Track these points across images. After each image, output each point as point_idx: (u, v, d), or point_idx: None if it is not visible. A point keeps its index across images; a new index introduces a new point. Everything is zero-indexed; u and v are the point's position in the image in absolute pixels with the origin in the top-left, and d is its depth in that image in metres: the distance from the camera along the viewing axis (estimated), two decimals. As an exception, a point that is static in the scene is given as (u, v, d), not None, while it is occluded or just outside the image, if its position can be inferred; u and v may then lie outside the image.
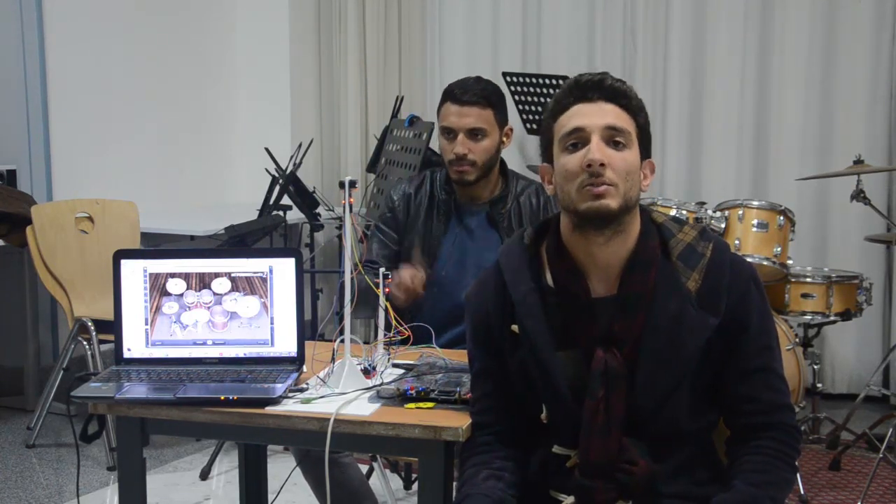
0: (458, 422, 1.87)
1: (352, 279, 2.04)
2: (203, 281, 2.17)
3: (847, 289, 3.91)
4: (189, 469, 3.84)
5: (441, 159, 2.80)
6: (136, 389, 2.03)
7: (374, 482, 3.28)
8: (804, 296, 3.90)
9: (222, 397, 1.97)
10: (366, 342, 2.22)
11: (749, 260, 3.24)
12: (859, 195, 3.75)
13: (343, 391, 2.01)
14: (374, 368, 2.12)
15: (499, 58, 5.31)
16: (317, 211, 4.29)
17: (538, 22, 5.24)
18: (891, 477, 3.69)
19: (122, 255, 2.19)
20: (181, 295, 2.17)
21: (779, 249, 3.81)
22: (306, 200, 4.22)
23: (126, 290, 2.16)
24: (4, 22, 4.71)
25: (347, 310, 2.05)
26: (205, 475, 3.74)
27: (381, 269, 2.23)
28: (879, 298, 4.57)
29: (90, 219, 4.23)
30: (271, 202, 4.11)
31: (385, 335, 2.20)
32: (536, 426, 1.83)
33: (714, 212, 3.85)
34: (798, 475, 3.02)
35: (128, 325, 2.17)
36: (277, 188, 4.11)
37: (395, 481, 3.54)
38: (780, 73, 4.77)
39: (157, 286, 2.17)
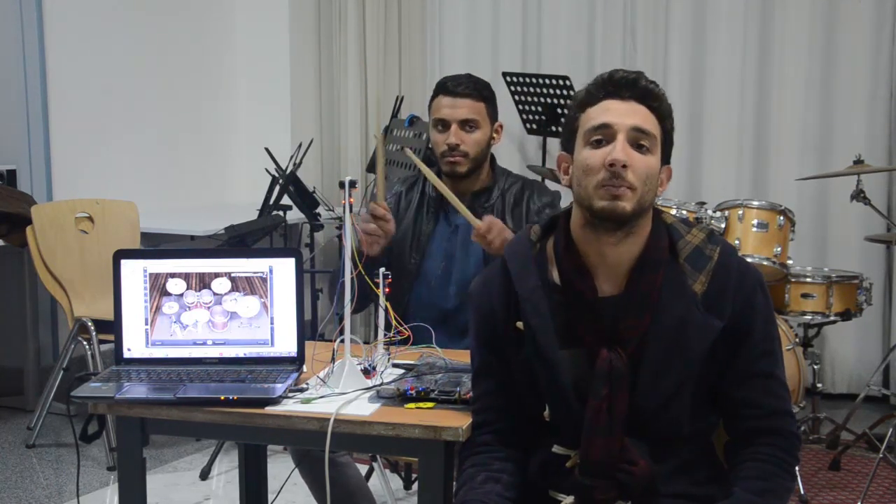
0: (458, 422, 1.87)
1: (351, 279, 2.04)
2: (203, 281, 2.17)
3: (847, 289, 3.91)
4: (189, 469, 3.84)
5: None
6: (136, 389, 2.03)
7: (374, 482, 3.28)
8: (804, 296, 3.90)
9: (222, 397, 1.97)
10: (366, 342, 2.22)
11: (749, 260, 3.24)
12: (859, 195, 3.75)
13: (343, 391, 2.01)
14: (374, 368, 2.12)
15: (499, 58, 5.32)
16: (317, 211, 4.29)
17: (538, 22, 5.24)
18: (891, 477, 3.69)
19: (122, 255, 2.18)
20: (181, 295, 2.17)
21: (779, 249, 3.81)
22: (306, 200, 4.22)
23: (126, 290, 2.16)
24: (4, 22, 4.71)
25: (347, 310, 2.05)
26: (205, 475, 3.74)
27: (381, 270, 2.23)
28: (879, 298, 4.57)
29: (90, 219, 4.23)
30: (271, 202, 4.11)
31: (385, 335, 2.20)
32: (537, 425, 1.83)
33: (714, 212, 3.85)
34: (798, 475, 3.02)
35: (128, 325, 2.17)
36: (277, 188, 4.11)
37: (395, 481, 3.54)
38: (780, 73, 4.77)
39: (157, 286, 2.17)
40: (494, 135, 2.76)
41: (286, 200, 4.18)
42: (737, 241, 3.80)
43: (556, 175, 4.40)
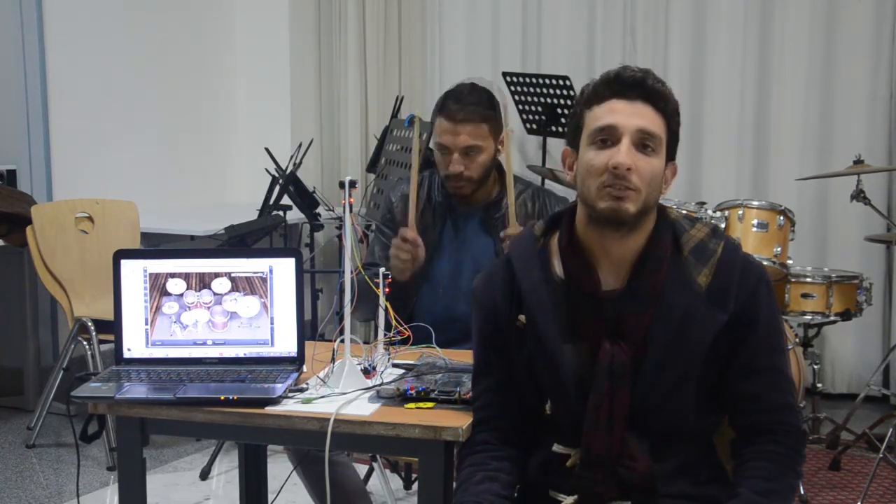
0: (458, 422, 1.87)
1: (351, 279, 2.04)
2: (203, 281, 2.17)
3: (847, 289, 3.91)
4: (189, 469, 3.84)
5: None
6: (136, 389, 2.03)
7: (374, 482, 3.28)
8: (804, 296, 3.89)
9: (222, 397, 1.97)
10: (366, 342, 2.22)
11: (749, 260, 3.24)
12: (859, 195, 3.75)
13: (343, 391, 2.01)
14: (374, 368, 2.12)
15: (499, 58, 5.32)
16: (317, 211, 4.29)
17: (538, 22, 5.24)
18: (891, 477, 3.69)
19: (122, 255, 2.18)
20: (181, 295, 2.17)
21: (779, 249, 3.80)
22: (306, 200, 4.22)
23: (126, 290, 2.16)
24: (4, 22, 4.71)
25: (347, 310, 2.05)
26: (205, 475, 3.74)
27: (381, 270, 2.22)
28: (879, 298, 4.57)
29: (90, 219, 4.23)
30: (271, 202, 4.11)
31: (385, 335, 2.20)
32: (537, 424, 1.83)
33: (714, 212, 3.84)
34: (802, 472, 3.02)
35: (128, 325, 2.17)
36: (277, 188, 4.11)
37: (395, 481, 3.54)
38: (780, 73, 4.77)
39: (157, 286, 2.17)
40: (500, 146, 2.69)
41: (286, 200, 4.18)
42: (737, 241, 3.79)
43: (555, 175, 4.41)
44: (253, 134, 5.70)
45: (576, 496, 1.76)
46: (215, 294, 2.17)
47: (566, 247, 1.79)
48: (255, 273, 2.17)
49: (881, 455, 3.49)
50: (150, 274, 2.16)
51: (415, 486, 3.44)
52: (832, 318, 3.89)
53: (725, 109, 4.88)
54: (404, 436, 1.87)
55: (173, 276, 2.17)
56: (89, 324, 3.92)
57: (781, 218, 3.85)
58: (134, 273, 2.17)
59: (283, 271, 2.17)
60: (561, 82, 4.74)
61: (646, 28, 5.00)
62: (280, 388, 1.99)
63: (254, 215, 3.99)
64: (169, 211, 5.18)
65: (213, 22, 5.79)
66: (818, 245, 4.74)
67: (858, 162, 3.80)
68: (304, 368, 2.16)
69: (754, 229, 3.83)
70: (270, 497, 2.66)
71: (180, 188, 5.54)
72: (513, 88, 4.95)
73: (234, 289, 2.17)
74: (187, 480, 3.73)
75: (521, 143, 5.29)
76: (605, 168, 1.70)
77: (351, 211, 2.05)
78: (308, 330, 4.04)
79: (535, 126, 4.98)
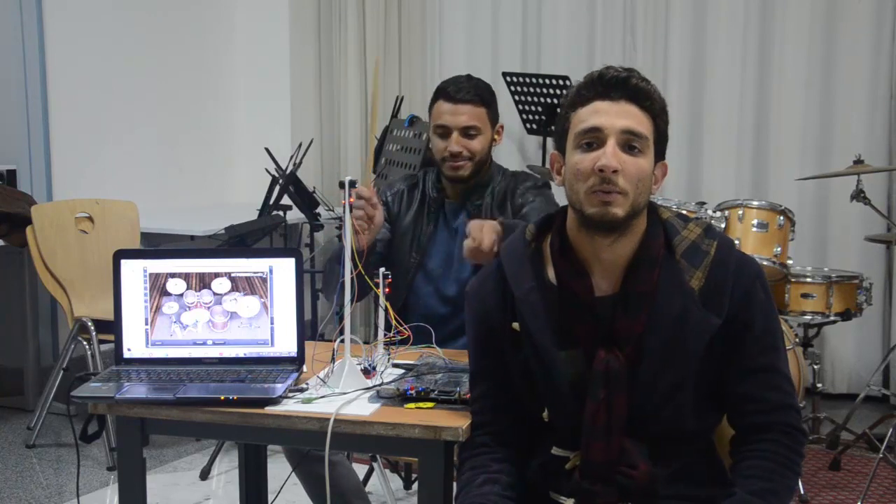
0: (458, 422, 1.87)
1: (351, 279, 2.04)
2: (203, 281, 2.17)
3: (847, 289, 3.91)
4: (189, 469, 3.84)
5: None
6: (136, 389, 2.03)
7: (374, 482, 3.28)
8: (804, 296, 3.89)
9: (222, 397, 1.97)
10: (366, 342, 2.22)
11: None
12: (859, 195, 3.75)
13: (343, 391, 2.01)
14: (374, 368, 2.11)
15: (499, 58, 5.32)
16: (317, 211, 4.29)
17: (538, 22, 5.24)
18: (891, 477, 3.69)
19: (122, 255, 2.18)
20: (181, 295, 2.17)
21: (779, 249, 3.80)
22: (306, 200, 4.22)
23: (126, 290, 2.16)
24: (4, 22, 4.71)
25: (347, 310, 2.04)
26: (205, 475, 3.74)
27: (381, 270, 2.23)
28: (879, 298, 4.57)
29: (90, 219, 4.23)
30: (271, 202, 4.10)
31: (385, 335, 2.20)
32: (536, 427, 1.83)
33: (714, 212, 3.85)
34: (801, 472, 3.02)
35: (128, 325, 2.17)
36: (277, 188, 4.11)
37: (395, 481, 3.54)
38: (780, 73, 4.77)
39: (157, 286, 2.17)
40: (496, 136, 2.76)
41: (286, 200, 4.18)
42: (737, 242, 3.78)
43: (555, 175, 4.41)
44: (253, 134, 5.70)
45: (574, 500, 1.75)
46: (215, 294, 2.17)
47: (558, 252, 1.77)
48: (255, 273, 2.17)
49: (881, 455, 3.49)
50: (150, 274, 2.16)
51: (415, 486, 3.44)
52: (832, 318, 3.89)
53: (725, 109, 4.88)
54: (404, 436, 1.87)
55: (173, 276, 2.17)
56: (89, 324, 3.92)
57: (781, 218, 3.85)
58: (134, 273, 2.17)
59: (283, 271, 2.17)
60: (561, 82, 4.75)
61: (646, 28, 5.00)
62: (280, 388, 1.99)
63: (254, 215, 3.99)
64: (169, 211, 5.18)
65: (213, 22, 5.79)
66: (818, 245, 4.74)
67: (858, 162, 3.79)
68: (304, 368, 2.16)
69: (754, 229, 3.83)
70: (270, 497, 2.66)
71: (180, 188, 5.54)
72: (513, 88, 4.95)
73: (234, 289, 2.17)
74: (187, 480, 3.73)
75: (521, 142, 5.29)
76: (591, 171, 1.68)
77: (351, 211, 2.05)
78: (308, 330, 4.04)
79: (535, 126, 4.98)
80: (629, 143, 1.69)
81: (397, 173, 3.99)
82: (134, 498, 2.09)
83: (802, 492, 3.49)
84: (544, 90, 4.81)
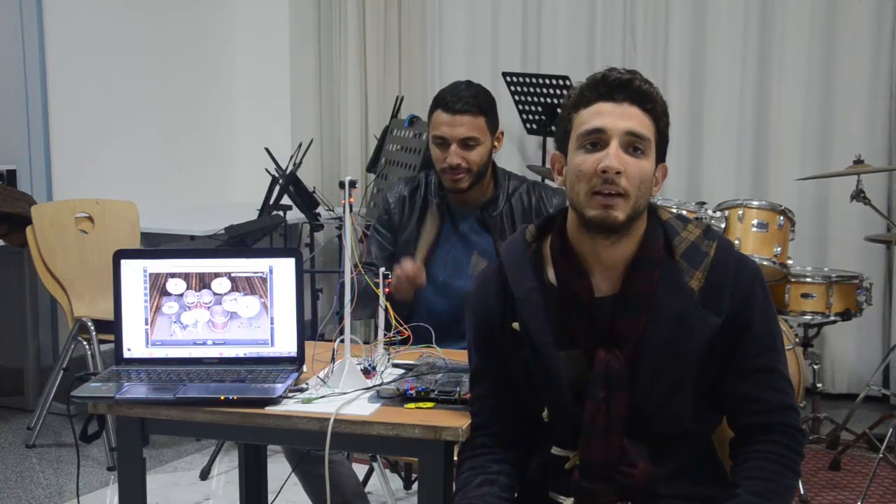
0: (458, 422, 1.87)
1: (351, 279, 2.04)
2: (203, 281, 2.17)
3: (847, 289, 3.91)
4: (189, 469, 3.84)
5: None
6: (136, 389, 2.03)
7: (374, 482, 3.28)
8: (804, 296, 3.89)
9: (222, 397, 1.97)
10: (366, 342, 2.22)
11: (749, 260, 3.23)
12: (859, 195, 3.75)
13: (343, 391, 2.01)
14: (374, 368, 2.11)
15: (499, 58, 5.32)
16: (317, 211, 4.29)
17: (538, 22, 5.24)
18: (891, 477, 3.69)
19: (122, 255, 2.18)
20: (181, 295, 2.17)
21: (779, 249, 3.81)
22: (306, 200, 4.21)
23: (126, 290, 2.16)
24: (4, 22, 4.70)
25: (347, 310, 2.05)
26: (205, 475, 3.74)
27: (381, 270, 2.23)
28: (879, 298, 4.57)
29: (90, 219, 4.23)
30: (271, 202, 4.10)
31: (385, 335, 2.20)
32: (535, 427, 1.83)
33: (714, 212, 3.85)
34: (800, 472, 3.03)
35: (128, 325, 2.17)
36: (277, 188, 4.11)
37: (395, 481, 3.54)
38: (780, 73, 4.77)
39: (157, 286, 2.17)
40: (496, 143, 2.73)
41: (286, 200, 4.18)
42: (737, 241, 3.79)
43: (555, 175, 4.41)
44: (253, 134, 5.69)
45: (574, 499, 1.76)
46: (215, 294, 2.17)
47: (558, 253, 1.78)
48: (255, 273, 2.17)
49: (881, 455, 3.49)
50: (150, 274, 2.17)
51: (415, 486, 3.45)
52: (832, 318, 3.89)
53: (725, 109, 4.88)
54: (404, 436, 1.87)
55: (173, 276, 2.17)
56: (89, 324, 3.92)
57: (781, 218, 3.85)
58: (134, 273, 2.17)
59: (283, 271, 2.17)
60: (561, 82, 4.75)
61: (646, 28, 5.00)
62: (280, 388, 1.99)
63: (254, 215, 3.99)
64: (169, 211, 5.18)
65: (213, 22, 5.79)
66: (818, 245, 4.74)
67: (858, 162, 3.80)
68: (304, 368, 2.16)
69: (754, 229, 3.83)
70: (270, 497, 2.66)
71: (180, 188, 5.53)
72: (513, 88, 4.95)
73: (234, 289, 2.17)
74: (187, 480, 3.73)
75: (521, 143, 5.29)
76: (593, 172, 1.68)
77: (351, 211, 2.05)
78: (308, 330, 4.04)
79: (535, 126, 4.98)
80: (632, 144, 1.70)
81: (397, 173, 4.00)
82: (134, 498, 2.09)
83: (802, 492, 3.49)
84: (544, 90, 4.81)
